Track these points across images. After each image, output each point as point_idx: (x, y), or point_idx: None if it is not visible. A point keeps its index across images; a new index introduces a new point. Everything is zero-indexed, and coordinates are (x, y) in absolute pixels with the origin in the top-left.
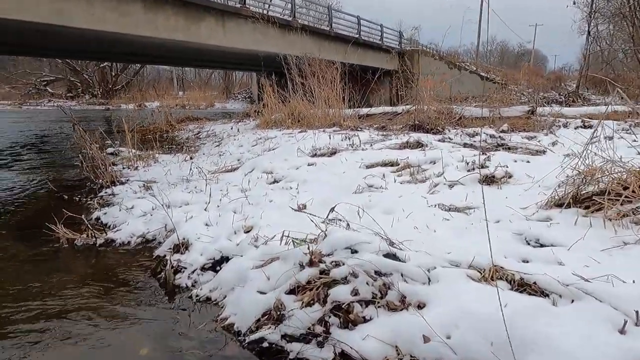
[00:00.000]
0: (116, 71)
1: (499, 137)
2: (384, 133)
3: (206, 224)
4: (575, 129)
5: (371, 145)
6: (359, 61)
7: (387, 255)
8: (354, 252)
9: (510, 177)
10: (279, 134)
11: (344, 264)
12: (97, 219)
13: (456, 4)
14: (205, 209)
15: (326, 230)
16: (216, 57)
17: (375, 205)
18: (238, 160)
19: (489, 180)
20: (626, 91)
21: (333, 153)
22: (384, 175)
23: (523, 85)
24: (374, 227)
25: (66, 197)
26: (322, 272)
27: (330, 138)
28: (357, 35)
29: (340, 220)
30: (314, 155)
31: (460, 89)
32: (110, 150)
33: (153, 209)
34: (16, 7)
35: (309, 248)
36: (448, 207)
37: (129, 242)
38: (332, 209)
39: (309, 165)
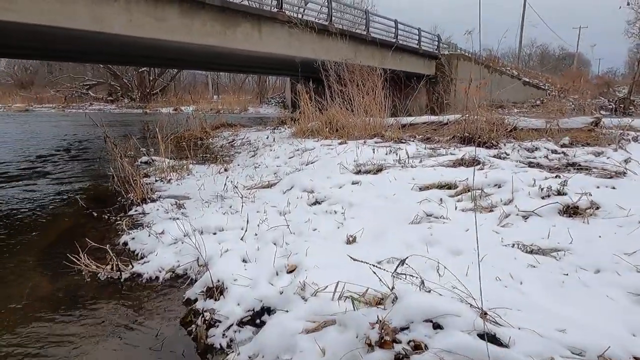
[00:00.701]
0: (154, 76)
1: (562, 152)
2: (432, 146)
3: (243, 260)
4: None
5: (420, 161)
6: (395, 66)
7: (483, 336)
8: (437, 326)
9: (597, 208)
10: (317, 145)
11: (427, 348)
12: (125, 244)
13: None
14: (241, 238)
15: (395, 288)
16: (252, 62)
17: (438, 240)
18: (275, 174)
19: (572, 211)
20: None
21: (379, 170)
22: (441, 200)
23: (570, 91)
24: (454, 282)
25: (95, 214)
26: (397, 358)
27: (374, 152)
28: (394, 40)
29: (412, 276)
30: (358, 172)
31: (501, 95)
32: (144, 159)
33: (185, 236)
34: (63, 16)
35: (378, 320)
36: (530, 248)
37: (157, 278)
38: (402, 262)
39: (353, 183)
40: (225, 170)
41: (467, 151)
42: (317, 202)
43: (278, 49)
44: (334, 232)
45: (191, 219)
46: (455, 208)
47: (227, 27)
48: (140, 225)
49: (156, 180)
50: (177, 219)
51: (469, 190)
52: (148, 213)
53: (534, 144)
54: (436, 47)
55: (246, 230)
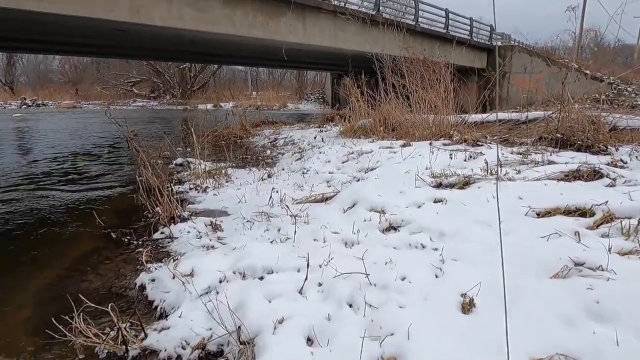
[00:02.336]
0: (195, 72)
1: None
2: (518, 150)
3: (308, 339)
4: None
5: (518, 172)
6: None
7: None
8: None
9: None
10: (375, 147)
11: None
12: (142, 288)
13: None
14: (300, 291)
15: None
16: (295, 56)
17: (612, 313)
18: (327, 182)
19: None
20: None
21: (466, 183)
22: (578, 235)
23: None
24: None
25: (114, 235)
26: None
27: (451, 157)
28: (444, 30)
29: None
30: (439, 185)
31: (560, 90)
32: (179, 160)
33: (221, 282)
34: (102, 7)
35: None
36: None
37: (179, 357)
38: None
39: (435, 202)
40: (269, 176)
41: (572, 158)
42: (392, 228)
43: (323, 40)
44: (434, 284)
45: (230, 249)
46: (610, 249)
47: (270, 17)
48: (166, 255)
49: (190, 189)
50: (212, 247)
51: (612, 219)
52: (176, 237)
53: None
54: (488, 38)
55: (306, 278)
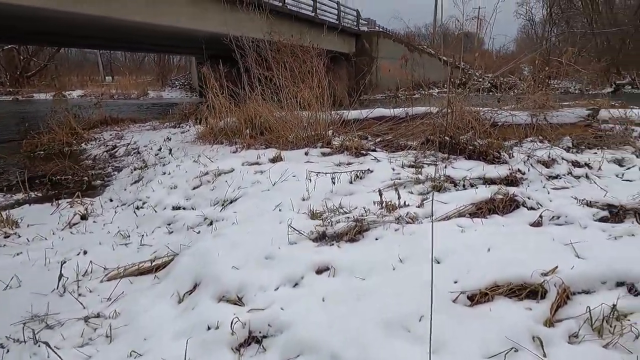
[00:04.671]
0: (26, 55)
1: (586, 165)
2: (409, 162)
3: None
4: None
5: (421, 204)
6: (314, 44)
7: None
8: None
9: None
10: (237, 163)
11: None
12: None
13: None
14: None
15: None
16: (142, 38)
17: None
18: (169, 227)
19: None
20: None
21: (360, 231)
22: (540, 343)
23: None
24: None
25: None
26: None
27: (334, 182)
28: (312, 14)
29: None
30: (322, 236)
31: (422, 75)
32: None
33: None
34: None
35: None
36: None
37: None
38: None
39: (319, 272)
40: (84, 217)
41: (469, 170)
42: (254, 341)
43: (175, 20)
44: None
45: None
46: None
47: None
48: None
49: None
50: None
51: (569, 297)
52: None
53: (540, 152)
54: (356, 23)
55: None
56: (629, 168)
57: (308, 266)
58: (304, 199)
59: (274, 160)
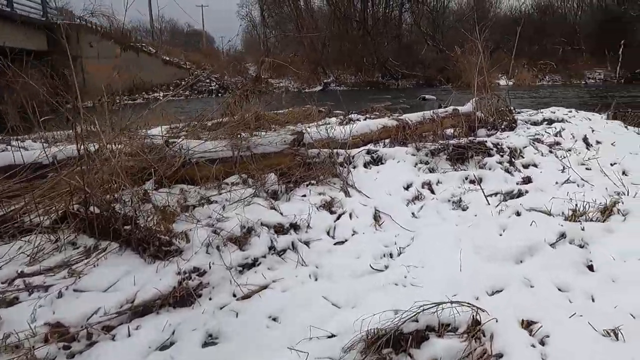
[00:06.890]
0: None
1: (278, 226)
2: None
3: None
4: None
5: None
6: None
7: None
8: None
9: None
10: None
11: None
12: None
13: None
14: None
15: None
16: None
17: None
18: None
19: None
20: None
21: None
22: None
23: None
24: None
25: None
26: None
27: None
28: None
29: None
30: None
31: (143, 77)
32: None
33: None
34: None
35: None
36: None
37: None
38: None
39: None
40: None
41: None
42: None
43: None
44: None
45: None
46: None
47: None
48: None
49: None
50: None
51: None
52: None
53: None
54: (42, 12)
55: None
56: (339, 217)
57: None
58: None
59: None
